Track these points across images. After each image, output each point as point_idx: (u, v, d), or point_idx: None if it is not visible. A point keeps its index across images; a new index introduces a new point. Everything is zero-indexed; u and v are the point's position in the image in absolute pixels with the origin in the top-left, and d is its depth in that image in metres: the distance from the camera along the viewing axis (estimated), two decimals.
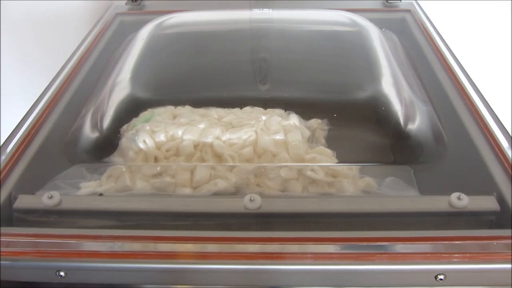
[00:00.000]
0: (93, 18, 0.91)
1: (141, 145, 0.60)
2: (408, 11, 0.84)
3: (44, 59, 1.01)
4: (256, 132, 0.61)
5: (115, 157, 0.61)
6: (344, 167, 0.57)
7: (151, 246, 0.45)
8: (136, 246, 0.45)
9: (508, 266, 0.42)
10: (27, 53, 1.01)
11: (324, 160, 0.59)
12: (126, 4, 0.93)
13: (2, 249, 0.45)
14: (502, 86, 1.00)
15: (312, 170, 0.57)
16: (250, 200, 0.50)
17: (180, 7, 0.86)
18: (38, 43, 0.99)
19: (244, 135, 0.61)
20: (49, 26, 0.96)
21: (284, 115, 0.64)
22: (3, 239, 0.46)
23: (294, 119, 0.63)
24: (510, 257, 0.42)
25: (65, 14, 0.94)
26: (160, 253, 0.44)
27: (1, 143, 0.58)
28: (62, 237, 0.46)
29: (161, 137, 0.61)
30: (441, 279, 0.42)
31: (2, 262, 0.44)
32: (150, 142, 0.61)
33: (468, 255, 0.43)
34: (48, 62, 1.00)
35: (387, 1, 0.86)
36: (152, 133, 0.61)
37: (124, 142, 0.60)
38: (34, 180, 0.54)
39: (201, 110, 0.64)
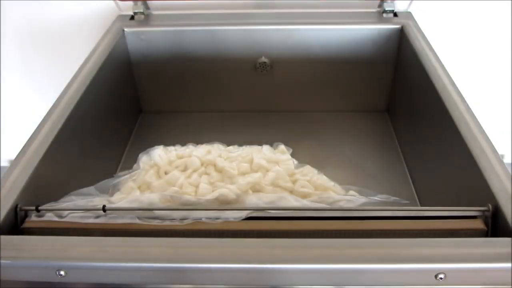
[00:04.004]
0: (97, 29, 0.93)
1: (156, 159, 0.69)
2: (403, 24, 0.85)
3: (47, 72, 1.03)
4: (251, 154, 0.70)
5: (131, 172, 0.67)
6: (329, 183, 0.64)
7: (152, 246, 0.45)
8: (136, 246, 0.45)
9: (508, 266, 0.42)
10: (28, 63, 1.03)
11: (311, 173, 0.65)
12: (130, 19, 0.95)
13: (3, 248, 0.45)
14: (500, 95, 1.01)
15: (303, 186, 0.63)
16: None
17: (185, 19, 0.88)
18: (40, 55, 1.01)
19: (243, 152, 0.71)
20: (51, 38, 0.98)
21: (272, 149, 0.73)
22: (3, 238, 0.46)
23: (282, 147, 0.72)
24: (510, 257, 0.43)
25: (69, 26, 0.96)
26: (160, 252, 0.44)
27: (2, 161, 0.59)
28: (62, 237, 0.46)
29: (173, 154, 0.70)
30: (441, 278, 0.42)
31: (2, 262, 0.44)
32: (164, 158, 0.69)
33: (468, 254, 0.43)
34: (52, 73, 1.02)
35: (382, 15, 0.88)
36: (167, 151, 0.71)
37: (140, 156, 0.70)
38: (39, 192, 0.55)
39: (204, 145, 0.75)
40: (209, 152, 0.71)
